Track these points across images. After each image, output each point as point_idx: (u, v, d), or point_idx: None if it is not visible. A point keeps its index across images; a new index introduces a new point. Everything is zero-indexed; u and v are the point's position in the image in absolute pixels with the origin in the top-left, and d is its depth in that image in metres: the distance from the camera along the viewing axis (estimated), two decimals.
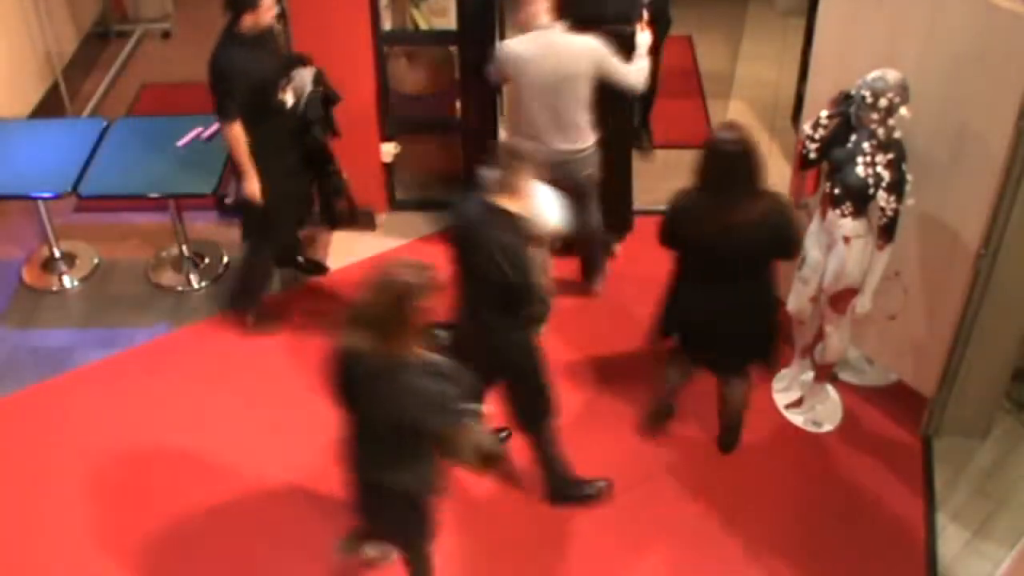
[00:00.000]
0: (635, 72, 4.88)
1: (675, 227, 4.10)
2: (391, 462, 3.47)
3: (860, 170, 4.08)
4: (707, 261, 4.07)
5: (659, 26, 5.69)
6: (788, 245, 4.12)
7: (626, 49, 4.89)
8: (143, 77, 7.25)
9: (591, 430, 4.79)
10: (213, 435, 4.82)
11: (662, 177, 5.85)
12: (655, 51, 5.93)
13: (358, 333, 3.28)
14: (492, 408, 3.97)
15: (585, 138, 4.94)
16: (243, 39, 4.68)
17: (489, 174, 3.86)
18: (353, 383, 3.39)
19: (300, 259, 5.59)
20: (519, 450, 4.46)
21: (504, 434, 4.52)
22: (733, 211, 3.91)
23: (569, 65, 4.72)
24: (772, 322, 4.30)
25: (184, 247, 5.69)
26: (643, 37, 4.97)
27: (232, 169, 5.03)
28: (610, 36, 4.84)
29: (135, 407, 4.95)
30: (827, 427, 4.82)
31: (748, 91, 6.82)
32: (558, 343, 5.19)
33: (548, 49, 4.71)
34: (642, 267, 5.63)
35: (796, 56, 6.19)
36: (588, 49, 4.74)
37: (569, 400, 4.94)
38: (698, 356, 4.43)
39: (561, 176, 4.82)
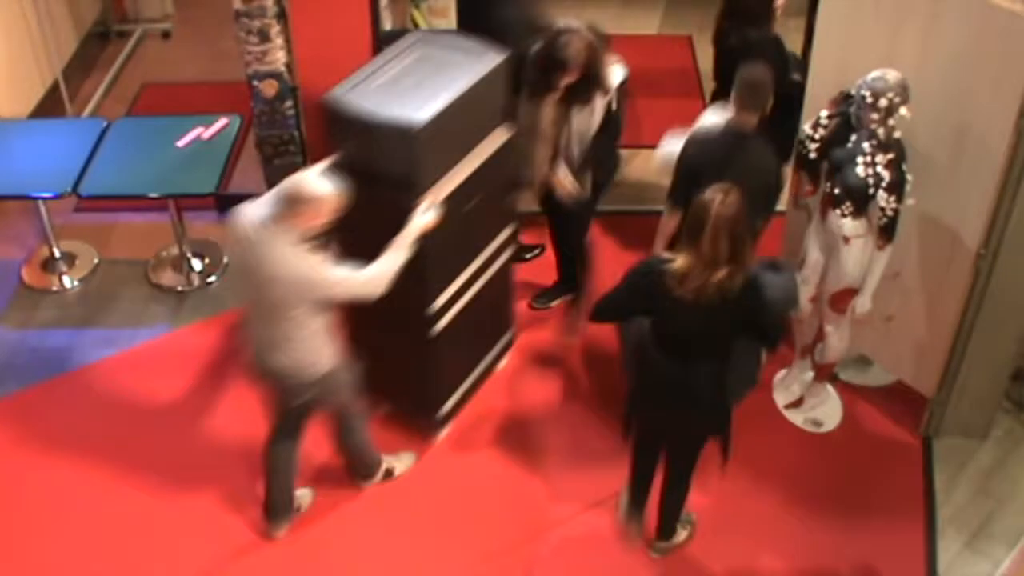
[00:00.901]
0: (364, 280, 3.72)
1: None
2: (724, 356, 3.78)
3: (860, 170, 4.08)
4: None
5: (600, 174, 4.88)
6: None
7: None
8: (143, 77, 7.25)
9: (587, 429, 4.80)
10: (214, 435, 4.82)
11: (661, 176, 5.83)
12: (582, 224, 4.99)
13: (713, 270, 3.51)
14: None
15: (304, 356, 3.79)
16: None
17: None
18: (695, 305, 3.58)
19: None
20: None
21: None
22: None
23: (272, 278, 3.63)
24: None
25: (184, 247, 5.69)
26: (420, 219, 3.93)
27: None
28: (386, 204, 3.93)
29: (135, 407, 4.95)
30: (827, 427, 4.82)
31: None
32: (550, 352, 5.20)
33: (259, 245, 3.63)
34: None
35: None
36: (289, 275, 3.61)
37: (565, 397, 4.95)
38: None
39: (290, 396, 3.93)
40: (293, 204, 3.58)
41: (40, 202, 5.47)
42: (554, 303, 5.38)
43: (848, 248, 4.26)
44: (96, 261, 5.82)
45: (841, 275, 4.33)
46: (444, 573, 4.27)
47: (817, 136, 4.25)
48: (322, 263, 3.66)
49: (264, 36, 5.29)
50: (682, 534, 4.33)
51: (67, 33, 7.03)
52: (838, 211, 4.22)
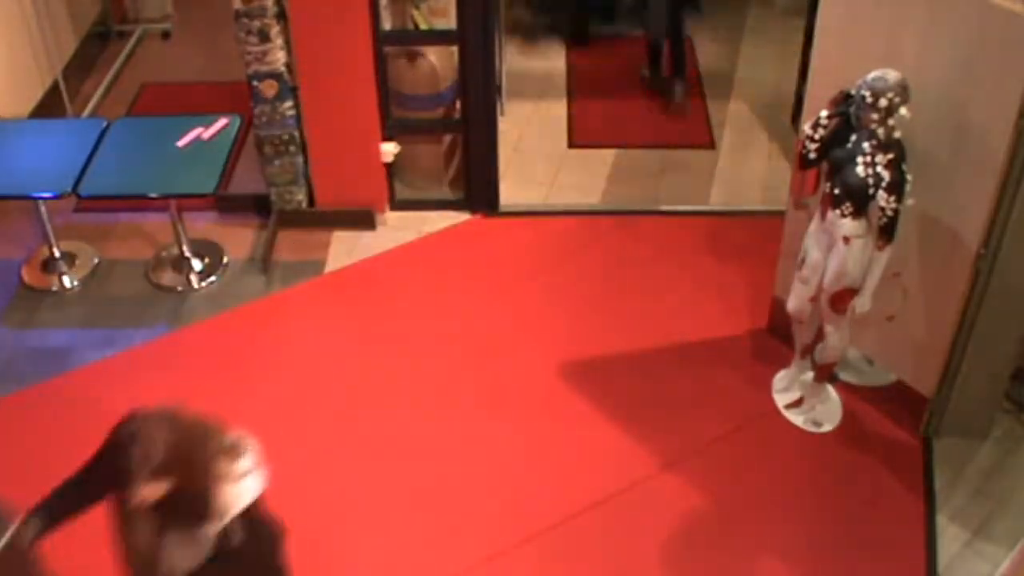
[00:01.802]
0: None
1: None
2: None
3: (860, 170, 4.08)
4: None
5: None
6: None
7: None
8: (143, 77, 7.25)
9: (587, 429, 4.80)
10: None
11: (662, 177, 5.86)
12: None
13: None
14: None
15: None
16: None
17: None
18: None
19: None
20: None
21: None
22: None
23: None
24: None
25: (184, 247, 5.69)
26: None
27: None
28: None
29: (134, 407, 4.94)
30: (827, 427, 4.82)
31: (748, 91, 6.83)
32: (557, 343, 5.21)
33: None
34: (645, 268, 5.64)
35: (796, 56, 6.19)
36: None
37: (565, 398, 4.96)
38: None
39: None
40: None
41: (40, 202, 5.47)
42: None
43: (848, 248, 4.26)
44: (96, 261, 5.82)
45: (841, 275, 4.33)
46: None
47: (817, 136, 4.24)
48: None
49: (264, 36, 5.29)
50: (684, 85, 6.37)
51: (67, 33, 7.02)
52: (838, 211, 4.21)
